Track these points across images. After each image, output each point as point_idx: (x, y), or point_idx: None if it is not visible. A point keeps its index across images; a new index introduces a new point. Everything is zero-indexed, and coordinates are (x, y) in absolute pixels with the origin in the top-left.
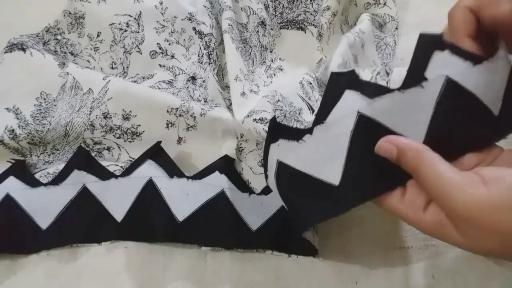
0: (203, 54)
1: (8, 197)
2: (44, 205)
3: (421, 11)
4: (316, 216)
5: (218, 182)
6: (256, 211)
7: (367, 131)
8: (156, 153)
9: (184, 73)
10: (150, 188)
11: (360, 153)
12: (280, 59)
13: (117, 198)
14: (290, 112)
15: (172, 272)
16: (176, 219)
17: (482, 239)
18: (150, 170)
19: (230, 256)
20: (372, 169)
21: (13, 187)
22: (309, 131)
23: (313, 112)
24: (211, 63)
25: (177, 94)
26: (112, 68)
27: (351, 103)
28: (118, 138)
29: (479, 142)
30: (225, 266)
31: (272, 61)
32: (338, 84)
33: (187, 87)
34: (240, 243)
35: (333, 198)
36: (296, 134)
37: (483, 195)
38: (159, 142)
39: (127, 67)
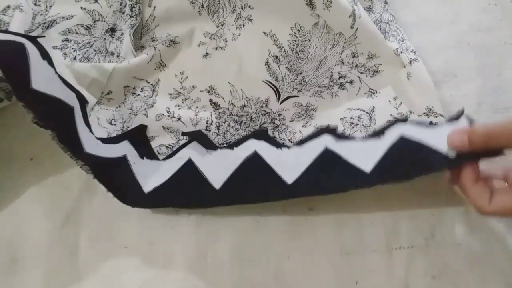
0: (126, 4)
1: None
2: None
3: (421, 11)
4: (260, 197)
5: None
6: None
7: (328, 158)
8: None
9: (104, 21)
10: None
11: (318, 169)
12: (249, 7)
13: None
14: (257, 109)
15: (172, 272)
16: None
17: None
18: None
19: (230, 256)
20: (322, 180)
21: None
22: (288, 147)
23: (279, 98)
24: (133, 17)
25: (92, 44)
26: None
27: (324, 140)
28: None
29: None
30: (225, 266)
31: (242, 8)
32: (321, 131)
33: (105, 38)
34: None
35: (280, 190)
36: (277, 144)
37: None
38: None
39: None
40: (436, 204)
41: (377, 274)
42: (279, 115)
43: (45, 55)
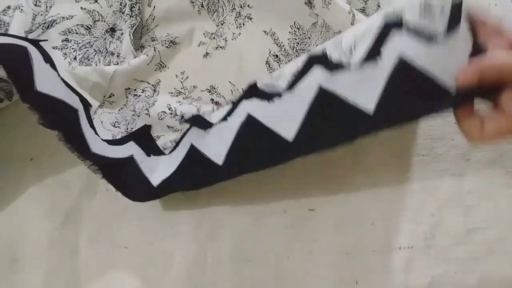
0: (125, 4)
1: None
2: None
3: None
4: (265, 162)
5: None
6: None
7: (324, 101)
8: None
9: (104, 21)
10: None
11: (315, 117)
12: (248, 6)
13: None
14: None
15: (172, 272)
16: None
17: None
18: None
19: (230, 256)
20: (323, 131)
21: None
22: (279, 95)
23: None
24: (132, 17)
25: (93, 44)
26: None
27: (316, 77)
28: None
29: (431, 113)
30: (225, 266)
31: (241, 7)
32: (310, 61)
33: (105, 38)
34: None
35: (283, 150)
36: (268, 96)
37: None
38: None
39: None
40: (436, 204)
41: (377, 274)
42: None
43: (47, 59)
